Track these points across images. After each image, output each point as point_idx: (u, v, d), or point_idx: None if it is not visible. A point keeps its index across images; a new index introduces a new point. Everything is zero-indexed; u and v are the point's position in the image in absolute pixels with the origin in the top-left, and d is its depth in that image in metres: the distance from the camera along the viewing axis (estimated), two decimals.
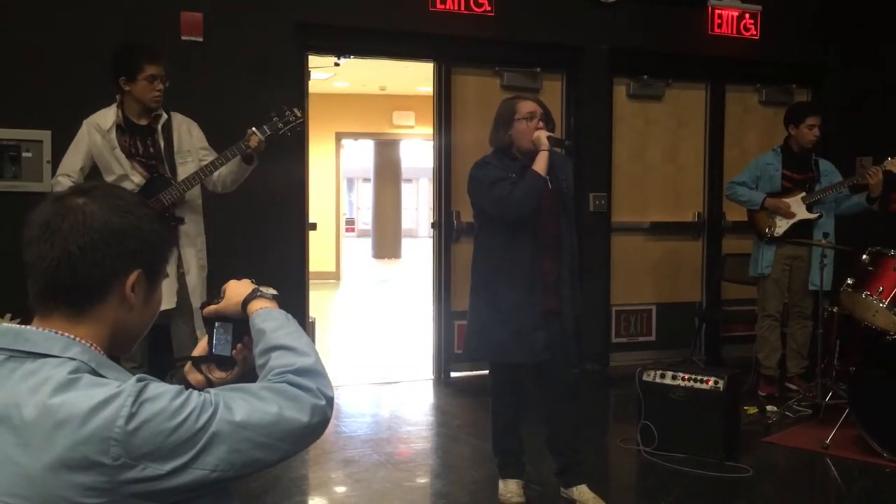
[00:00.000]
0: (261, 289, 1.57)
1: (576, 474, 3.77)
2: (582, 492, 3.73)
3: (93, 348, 1.31)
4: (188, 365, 1.62)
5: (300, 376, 1.36)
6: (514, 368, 3.70)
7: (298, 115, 4.15)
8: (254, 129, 4.00)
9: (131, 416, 1.20)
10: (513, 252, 3.55)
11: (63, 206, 1.31)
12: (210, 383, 1.59)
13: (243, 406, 1.28)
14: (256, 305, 1.53)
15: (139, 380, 1.25)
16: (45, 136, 4.93)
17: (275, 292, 1.57)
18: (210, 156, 4.16)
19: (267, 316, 1.51)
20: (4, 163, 4.90)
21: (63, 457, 1.18)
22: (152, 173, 4.01)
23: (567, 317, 3.63)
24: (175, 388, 1.26)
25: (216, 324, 1.60)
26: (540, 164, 3.49)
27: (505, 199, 3.49)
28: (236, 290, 1.58)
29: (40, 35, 4.96)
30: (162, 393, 1.24)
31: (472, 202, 3.75)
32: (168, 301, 3.88)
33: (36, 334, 1.29)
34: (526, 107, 3.60)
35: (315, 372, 1.39)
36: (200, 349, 1.62)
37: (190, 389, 1.28)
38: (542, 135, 3.53)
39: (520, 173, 3.54)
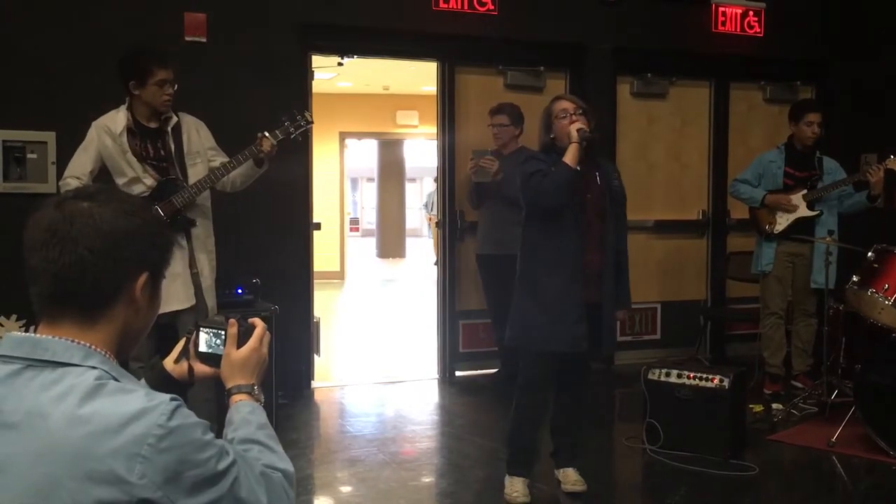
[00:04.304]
0: (256, 389, 1.58)
1: (566, 457, 3.92)
2: (567, 473, 3.90)
3: (107, 356, 1.31)
4: (172, 356, 1.63)
5: (288, 482, 1.43)
6: (551, 361, 3.73)
7: (310, 119, 4.16)
8: (266, 133, 4.01)
9: (163, 437, 1.20)
10: (556, 243, 3.66)
11: (68, 210, 1.30)
12: (192, 376, 1.61)
13: (247, 479, 1.32)
14: (242, 398, 1.56)
15: (172, 399, 1.25)
16: (49, 137, 4.94)
17: (262, 400, 1.59)
18: (218, 156, 4.17)
19: (255, 410, 1.54)
20: (9, 164, 4.90)
21: (90, 469, 1.18)
22: (163, 176, 4.01)
23: (607, 311, 3.73)
24: (203, 421, 1.27)
25: (205, 328, 1.62)
26: (568, 156, 3.60)
27: (535, 189, 3.63)
28: (244, 363, 1.58)
29: (44, 36, 4.97)
30: (195, 423, 1.25)
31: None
32: (185, 300, 3.92)
33: (55, 343, 1.28)
34: (559, 105, 3.76)
35: (293, 480, 1.46)
36: (178, 350, 1.64)
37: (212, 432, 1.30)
38: (573, 128, 3.64)
39: None
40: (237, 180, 4.16)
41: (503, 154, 5.49)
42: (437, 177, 6.36)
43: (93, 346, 1.29)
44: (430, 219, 15.24)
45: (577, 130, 3.61)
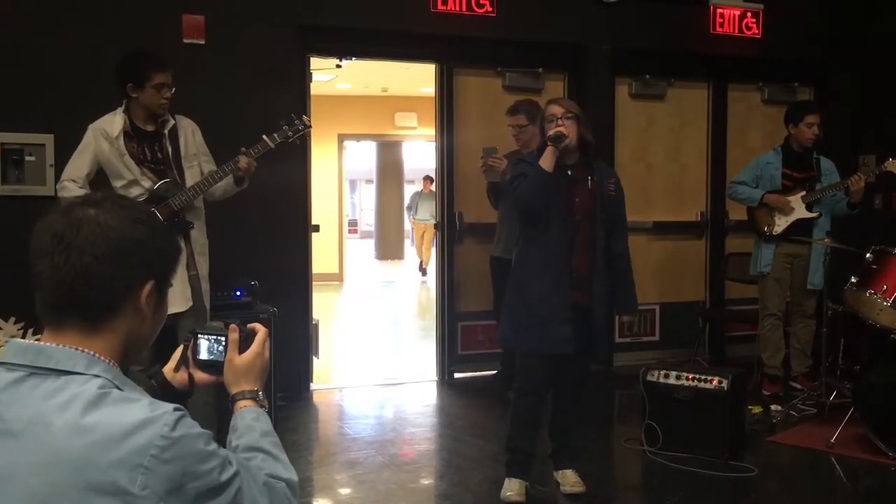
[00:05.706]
0: (261, 394, 1.58)
1: (565, 459, 3.95)
2: (566, 475, 3.92)
3: (111, 364, 1.30)
4: (170, 365, 1.63)
5: (292, 491, 1.42)
6: (547, 363, 3.74)
7: (308, 123, 4.17)
8: (243, 149, 4.03)
9: (166, 448, 1.19)
10: (543, 246, 3.70)
11: (75, 217, 1.29)
12: (192, 385, 1.61)
13: (250, 490, 1.31)
14: (247, 404, 1.56)
15: (176, 409, 1.24)
16: (47, 139, 4.93)
17: (266, 405, 1.59)
18: (209, 162, 4.18)
19: (260, 416, 1.53)
20: (8, 167, 4.90)
21: (92, 479, 1.17)
22: (161, 178, 4.00)
23: (597, 314, 3.74)
24: (206, 431, 1.27)
25: (204, 335, 1.61)
26: (543, 160, 3.64)
27: (515, 192, 3.70)
28: (248, 369, 1.59)
29: (43, 38, 4.96)
30: (199, 434, 1.24)
31: None
32: (182, 303, 3.90)
33: (58, 351, 1.27)
34: (549, 110, 3.80)
35: (297, 490, 1.45)
36: (177, 359, 1.63)
37: (216, 442, 1.29)
38: (550, 133, 3.67)
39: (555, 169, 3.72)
40: (216, 192, 4.16)
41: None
42: (436, 178, 6.35)
43: (97, 355, 1.28)
44: (413, 222, 14.91)
45: (553, 133, 3.63)
